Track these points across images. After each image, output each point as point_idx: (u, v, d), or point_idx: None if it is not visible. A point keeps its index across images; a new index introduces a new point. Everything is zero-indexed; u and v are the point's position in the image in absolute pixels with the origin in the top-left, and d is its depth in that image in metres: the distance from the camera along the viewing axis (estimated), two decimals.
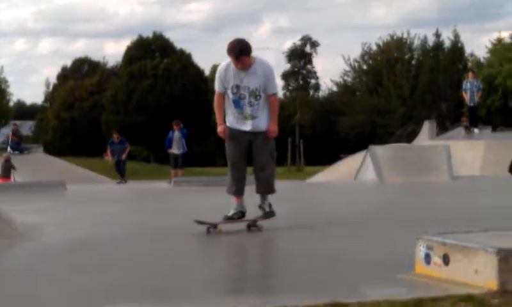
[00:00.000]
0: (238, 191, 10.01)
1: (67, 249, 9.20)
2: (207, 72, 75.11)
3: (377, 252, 8.16)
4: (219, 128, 9.87)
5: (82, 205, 14.89)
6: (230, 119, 9.88)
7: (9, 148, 35.93)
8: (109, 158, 31.33)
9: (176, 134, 26.97)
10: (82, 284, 7.13)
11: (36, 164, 28.61)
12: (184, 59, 73.00)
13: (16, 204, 13.19)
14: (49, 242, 9.79)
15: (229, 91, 9.72)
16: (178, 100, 65.97)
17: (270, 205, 10.10)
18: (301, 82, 73.80)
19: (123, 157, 30.56)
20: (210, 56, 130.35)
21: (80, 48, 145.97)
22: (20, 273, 7.93)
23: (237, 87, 9.64)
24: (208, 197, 16.03)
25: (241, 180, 9.97)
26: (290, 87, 74.86)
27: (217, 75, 9.82)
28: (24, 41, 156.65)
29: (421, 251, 6.44)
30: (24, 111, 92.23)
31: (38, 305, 6.29)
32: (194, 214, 10.84)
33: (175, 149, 26.95)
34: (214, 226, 9.79)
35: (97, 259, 8.56)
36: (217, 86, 9.82)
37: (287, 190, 17.93)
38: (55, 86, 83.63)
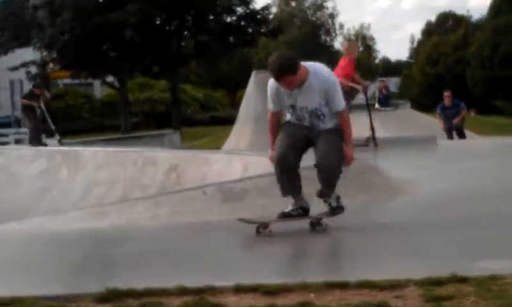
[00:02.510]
0: (287, 189, 7.87)
1: (439, 203, 9.33)
2: None
3: None
4: (270, 154, 7.87)
5: (452, 160, 14.85)
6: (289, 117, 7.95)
7: (376, 104, 36.80)
8: (441, 124, 23.79)
9: None
10: (457, 237, 7.20)
11: (405, 120, 28.93)
12: None
13: (390, 159, 13.47)
14: (423, 195, 9.98)
15: (285, 110, 7.84)
16: None
17: (338, 199, 7.98)
18: None
19: (456, 121, 23.47)
20: None
21: (444, 2, 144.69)
22: (397, 224, 8.16)
23: (293, 107, 7.70)
24: None
25: (288, 174, 7.77)
26: None
27: (268, 91, 7.80)
28: None
29: None
30: (389, 68, 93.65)
31: (423, 252, 6.44)
32: None
33: None
34: (265, 225, 7.83)
35: (467, 214, 8.55)
36: (269, 104, 7.87)
37: None
38: (419, 42, 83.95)
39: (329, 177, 7.73)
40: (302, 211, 7.93)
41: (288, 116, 7.87)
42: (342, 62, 15.67)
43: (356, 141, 15.24)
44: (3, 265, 7.05)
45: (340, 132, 7.74)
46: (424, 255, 6.55)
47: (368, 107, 16.74)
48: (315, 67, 7.60)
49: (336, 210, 7.92)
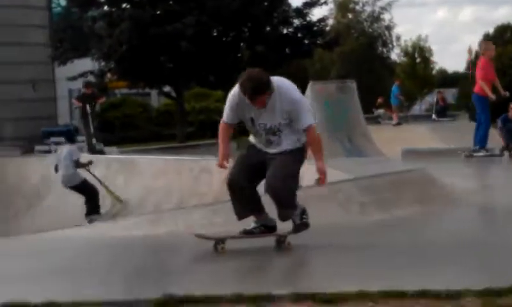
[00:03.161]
0: (240, 212, 7.61)
1: (494, 215, 9.24)
2: None
3: None
4: (219, 161, 7.54)
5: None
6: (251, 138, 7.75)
7: (433, 115, 36.51)
8: (502, 141, 19.56)
9: None
10: None
11: (462, 131, 28.65)
12: None
13: (447, 170, 13.32)
14: (479, 207, 9.99)
15: (244, 120, 7.58)
16: None
17: (302, 215, 7.57)
18: None
19: None
20: None
21: (502, 15, 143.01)
22: (451, 236, 8.07)
23: (252, 120, 7.43)
24: None
25: (241, 197, 7.50)
26: None
27: (227, 101, 7.56)
28: (446, 9, 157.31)
29: None
30: (446, 79, 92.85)
31: (481, 264, 6.35)
32: None
33: None
34: (222, 241, 7.63)
35: None
36: (225, 114, 7.58)
37: None
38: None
39: (277, 199, 7.36)
40: (264, 228, 7.68)
41: (251, 137, 7.63)
42: (480, 62, 15.89)
43: (492, 151, 15.48)
44: (63, 270, 7.14)
45: (295, 153, 7.39)
46: (482, 267, 6.47)
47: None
48: (280, 85, 7.27)
49: (299, 226, 7.57)
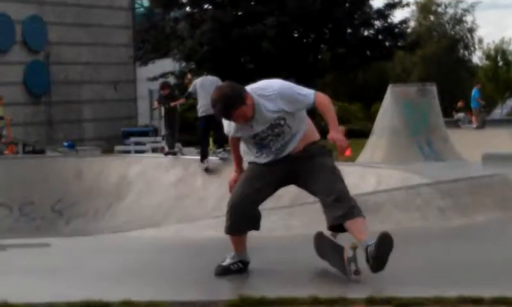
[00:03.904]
0: (236, 227, 6.82)
1: None
2: None
3: None
4: (231, 176, 6.92)
5: None
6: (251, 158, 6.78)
7: None
8: None
9: None
10: None
11: None
12: None
13: None
14: None
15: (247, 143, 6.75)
16: None
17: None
18: None
19: None
20: None
21: None
22: None
23: (251, 136, 6.57)
24: None
25: (241, 218, 6.73)
26: None
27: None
28: None
29: None
30: None
31: None
32: None
33: None
34: None
35: None
36: (226, 129, 6.71)
37: None
38: None
39: (347, 209, 6.40)
40: (242, 265, 6.89)
41: (251, 156, 6.74)
42: None
43: None
44: (140, 270, 7.23)
45: (317, 146, 6.67)
46: None
47: None
48: (256, 90, 6.55)
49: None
